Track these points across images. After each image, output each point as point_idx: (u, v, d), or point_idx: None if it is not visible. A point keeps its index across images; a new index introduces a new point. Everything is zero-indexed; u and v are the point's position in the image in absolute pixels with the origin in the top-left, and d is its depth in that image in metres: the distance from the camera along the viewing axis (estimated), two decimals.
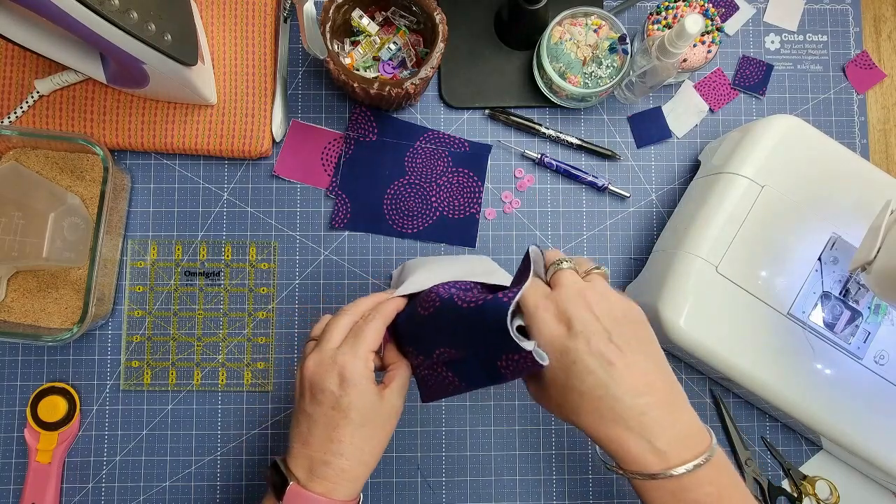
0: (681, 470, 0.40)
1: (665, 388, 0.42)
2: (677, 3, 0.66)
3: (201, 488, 0.66)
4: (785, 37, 0.74)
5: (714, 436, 0.43)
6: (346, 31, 0.67)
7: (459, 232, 0.70)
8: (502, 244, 0.70)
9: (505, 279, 0.52)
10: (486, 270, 0.57)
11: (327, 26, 0.63)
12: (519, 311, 0.45)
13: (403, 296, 0.52)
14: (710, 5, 0.67)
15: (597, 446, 0.43)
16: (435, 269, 0.56)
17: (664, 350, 0.69)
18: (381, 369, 0.52)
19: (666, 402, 0.42)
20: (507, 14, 0.68)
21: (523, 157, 0.71)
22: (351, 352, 0.47)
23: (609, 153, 0.71)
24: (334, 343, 0.48)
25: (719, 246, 0.59)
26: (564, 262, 0.46)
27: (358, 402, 0.46)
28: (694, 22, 0.55)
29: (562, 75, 0.66)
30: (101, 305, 0.64)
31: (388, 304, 0.51)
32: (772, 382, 0.59)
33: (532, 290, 0.44)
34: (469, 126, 0.71)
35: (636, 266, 0.71)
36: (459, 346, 0.47)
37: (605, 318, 0.42)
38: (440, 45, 0.62)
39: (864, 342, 0.60)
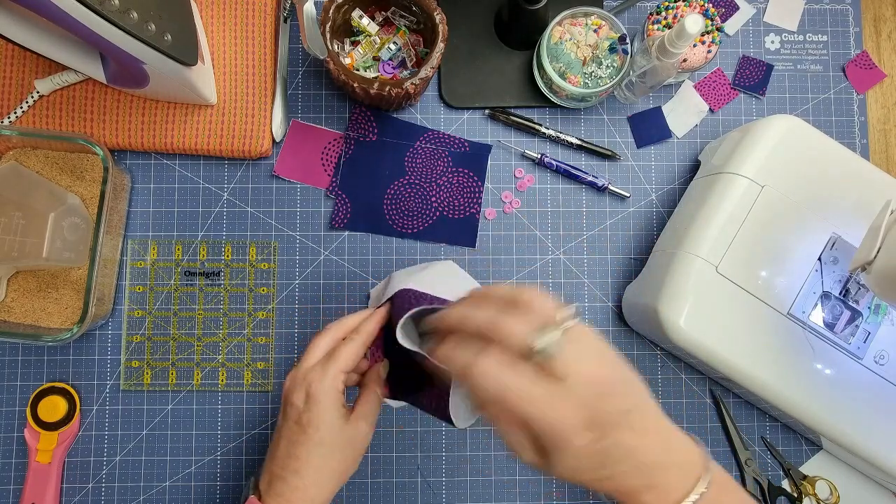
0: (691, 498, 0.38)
1: (666, 431, 0.40)
2: (677, 3, 0.66)
3: (201, 488, 0.66)
4: (785, 37, 0.74)
5: (708, 454, 0.41)
6: (346, 31, 0.67)
7: (459, 232, 0.70)
8: (502, 244, 0.70)
9: (465, 284, 0.53)
10: (450, 282, 0.57)
11: (327, 26, 0.63)
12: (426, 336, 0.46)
13: (388, 309, 0.53)
14: (710, 5, 0.67)
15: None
16: (411, 282, 0.55)
17: (664, 350, 0.70)
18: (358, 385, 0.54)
19: (670, 444, 0.40)
20: (507, 14, 0.68)
21: (523, 157, 0.71)
22: (321, 370, 0.48)
23: (609, 153, 0.71)
24: (311, 362, 0.49)
25: (719, 246, 0.59)
26: (541, 335, 0.36)
27: (318, 420, 0.47)
28: (694, 22, 0.55)
29: (562, 75, 0.66)
30: (101, 305, 0.64)
31: (368, 323, 0.51)
32: (772, 382, 0.59)
33: (533, 401, 0.36)
34: (469, 126, 0.71)
35: (636, 266, 0.71)
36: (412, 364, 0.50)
37: (611, 388, 0.38)
38: (440, 45, 0.62)
39: (864, 342, 0.60)
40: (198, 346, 0.68)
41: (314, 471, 0.47)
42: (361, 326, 0.51)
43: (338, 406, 0.48)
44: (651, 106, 0.72)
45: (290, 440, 0.47)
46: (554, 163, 0.70)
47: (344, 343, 0.50)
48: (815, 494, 0.67)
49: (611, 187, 0.70)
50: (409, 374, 0.52)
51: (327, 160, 0.70)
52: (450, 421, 0.47)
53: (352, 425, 0.48)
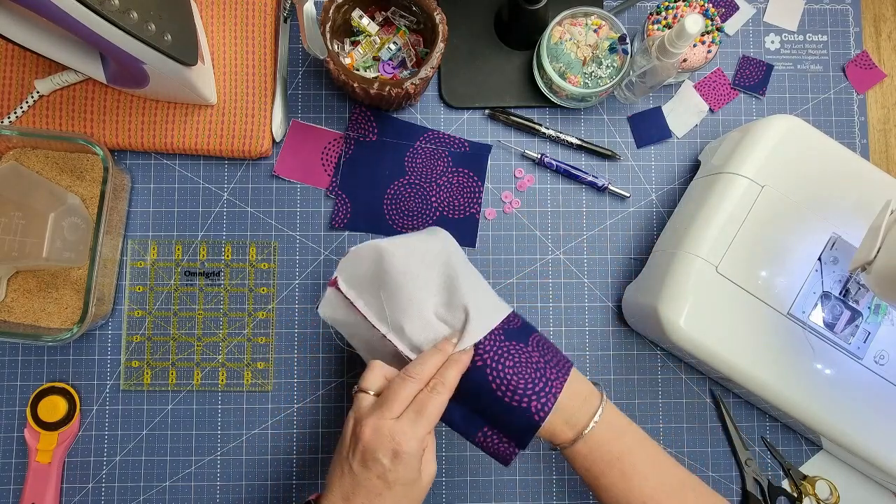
0: (585, 431, 0.51)
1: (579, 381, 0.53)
2: (677, 3, 0.66)
3: (201, 488, 0.67)
4: (785, 37, 0.74)
5: (603, 391, 0.53)
6: (346, 31, 0.67)
7: (459, 232, 0.70)
8: (502, 244, 0.70)
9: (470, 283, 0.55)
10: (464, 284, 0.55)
11: (327, 26, 0.63)
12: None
13: (471, 355, 0.52)
14: (710, 5, 0.67)
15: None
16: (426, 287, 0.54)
17: (664, 350, 0.70)
18: None
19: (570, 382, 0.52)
20: (507, 14, 0.68)
21: (523, 157, 0.71)
22: (411, 430, 0.47)
23: (609, 153, 0.71)
24: (395, 412, 0.48)
25: (719, 246, 0.59)
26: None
27: (405, 478, 0.47)
28: (694, 22, 0.55)
29: (562, 75, 0.66)
30: (101, 305, 0.64)
31: (451, 371, 0.50)
32: (772, 382, 0.59)
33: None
34: (469, 126, 0.71)
35: (636, 266, 0.71)
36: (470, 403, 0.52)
37: None
38: (440, 45, 0.62)
39: (864, 342, 0.60)
40: (198, 346, 0.68)
41: None
42: (445, 375, 0.49)
43: (421, 457, 0.48)
44: (651, 106, 0.72)
45: (370, 492, 0.47)
46: (554, 163, 0.70)
47: (430, 395, 0.48)
48: (815, 494, 0.67)
49: (611, 187, 0.70)
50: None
51: (327, 160, 0.70)
52: (500, 459, 0.53)
53: (426, 470, 0.49)
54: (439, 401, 0.48)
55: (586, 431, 0.50)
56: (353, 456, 0.47)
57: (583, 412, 0.51)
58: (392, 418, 0.47)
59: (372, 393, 0.49)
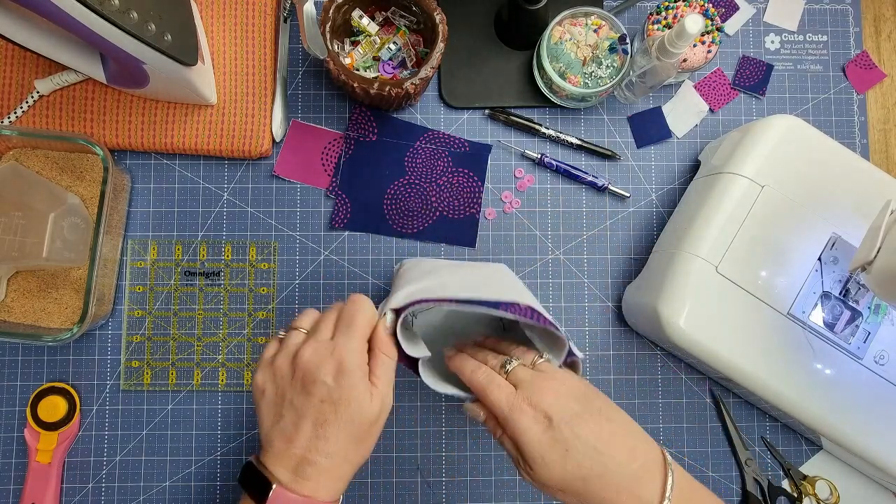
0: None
1: (633, 438, 0.46)
2: (677, 3, 0.66)
3: (201, 488, 0.66)
4: (785, 37, 0.74)
5: (667, 455, 0.47)
6: (346, 31, 0.67)
7: (459, 232, 0.70)
8: (502, 244, 0.70)
9: (520, 295, 0.52)
10: (502, 286, 0.55)
11: (327, 26, 0.63)
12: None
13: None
14: (710, 5, 0.67)
15: None
16: (445, 275, 0.54)
17: (664, 350, 0.70)
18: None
19: (636, 451, 0.46)
20: (507, 14, 0.68)
21: (523, 157, 0.71)
22: (348, 343, 0.45)
23: (609, 153, 0.71)
24: (327, 335, 0.47)
25: (719, 246, 0.59)
26: (514, 360, 0.49)
27: (350, 396, 0.44)
28: (694, 22, 0.55)
29: (562, 75, 0.66)
30: (101, 305, 0.64)
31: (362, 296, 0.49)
32: (772, 382, 0.59)
33: (498, 394, 0.46)
34: (469, 126, 0.71)
35: (636, 266, 0.71)
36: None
37: (573, 398, 0.46)
38: (440, 45, 0.62)
39: (864, 342, 0.60)
40: (198, 346, 0.68)
41: (344, 449, 0.44)
42: (358, 296, 0.49)
43: (366, 379, 0.45)
44: (651, 106, 0.72)
45: (317, 421, 0.44)
46: (554, 163, 0.70)
47: (352, 307, 0.47)
48: (815, 494, 0.67)
49: (611, 187, 0.70)
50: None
51: (327, 160, 0.70)
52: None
53: (377, 396, 0.45)
54: (363, 310, 0.47)
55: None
56: (293, 388, 0.45)
57: (650, 481, 0.45)
58: (327, 339, 0.46)
59: (304, 331, 0.49)
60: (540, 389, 0.45)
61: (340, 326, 0.47)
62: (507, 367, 0.48)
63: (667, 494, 0.44)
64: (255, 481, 0.44)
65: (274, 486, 0.43)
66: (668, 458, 0.46)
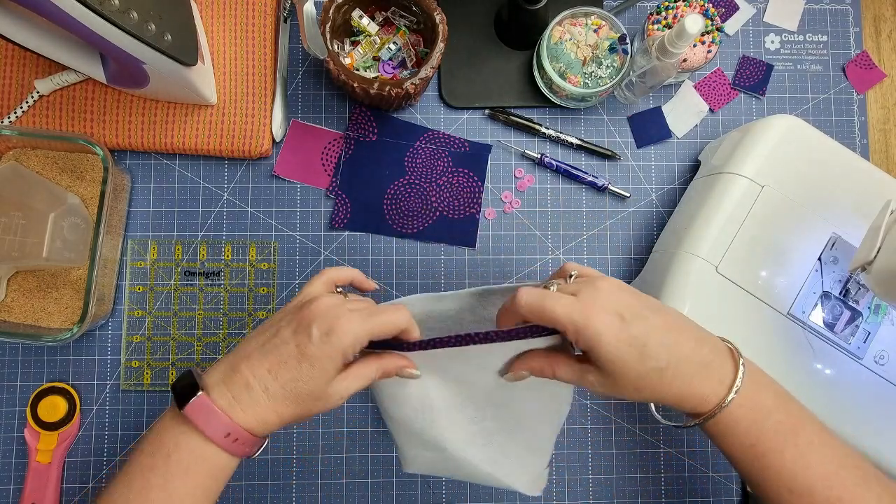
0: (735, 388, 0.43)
1: (696, 328, 0.46)
2: (677, 3, 0.66)
3: None
4: (785, 37, 0.74)
5: (730, 342, 0.47)
6: (346, 31, 0.67)
7: (459, 232, 0.70)
8: (502, 244, 0.70)
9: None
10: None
11: (327, 26, 0.63)
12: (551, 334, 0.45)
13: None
14: (710, 5, 0.67)
15: (658, 415, 0.49)
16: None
17: None
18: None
19: (703, 340, 0.45)
20: (507, 14, 0.68)
21: (523, 157, 0.71)
22: (357, 321, 0.43)
23: (609, 153, 0.71)
24: (351, 306, 0.45)
25: (719, 246, 0.59)
26: (554, 283, 0.46)
27: (322, 363, 0.43)
28: (694, 22, 0.55)
29: (562, 75, 0.66)
30: (101, 305, 0.64)
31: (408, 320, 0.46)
32: None
33: (564, 306, 0.43)
34: (469, 126, 0.71)
35: (636, 266, 0.71)
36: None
37: (630, 295, 0.44)
38: (440, 45, 0.62)
39: (864, 342, 0.60)
40: (198, 346, 0.68)
41: (283, 399, 0.43)
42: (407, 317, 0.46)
43: (339, 363, 0.43)
44: (651, 106, 0.72)
45: (280, 358, 0.43)
46: (554, 163, 0.70)
47: (389, 307, 0.46)
48: None
49: (611, 187, 0.70)
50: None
51: (327, 160, 0.70)
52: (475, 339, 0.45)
53: (340, 381, 0.44)
54: (394, 319, 0.45)
55: (736, 389, 0.43)
56: (288, 319, 0.45)
57: (719, 366, 0.44)
58: (348, 308, 0.44)
59: (343, 294, 0.48)
60: (599, 291, 0.43)
61: (367, 311, 0.45)
62: (552, 289, 0.45)
63: (739, 373, 0.44)
64: (187, 388, 0.43)
65: (199, 393, 0.42)
66: (732, 343, 0.46)
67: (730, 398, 0.43)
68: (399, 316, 0.45)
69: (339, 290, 0.50)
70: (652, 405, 0.51)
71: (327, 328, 0.43)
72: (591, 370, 0.44)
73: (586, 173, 0.70)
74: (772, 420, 0.44)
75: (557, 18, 0.66)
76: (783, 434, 0.43)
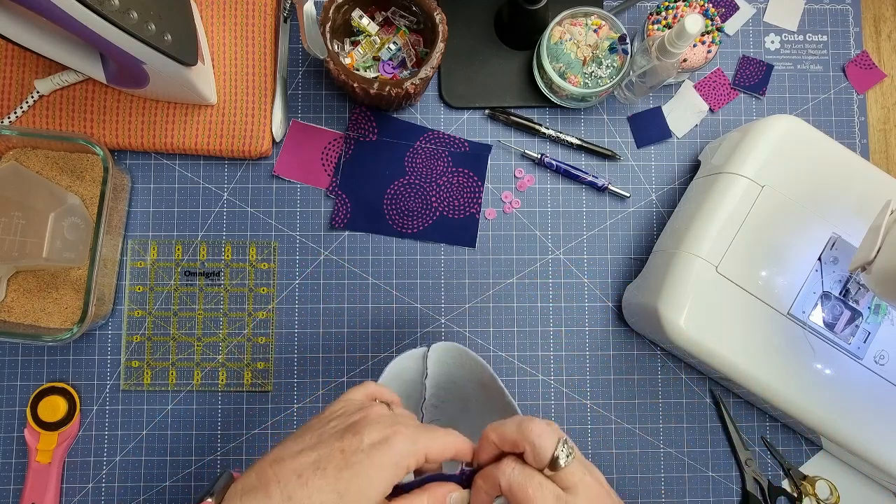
0: None
1: None
2: (677, 3, 0.66)
3: (201, 488, 0.66)
4: (785, 37, 0.74)
5: None
6: (346, 31, 0.67)
7: (459, 232, 0.70)
8: (502, 244, 0.70)
9: None
10: None
11: (327, 26, 0.63)
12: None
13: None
14: (710, 5, 0.67)
15: None
16: None
17: (664, 350, 0.69)
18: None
19: None
20: (507, 14, 0.68)
21: (523, 157, 0.71)
22: (414, 433, 0.39)
23: (609, 153, 0.71)
24: (411, 422, 0.41)
25: (719, 246, 0.59)
26: (567, 454, 0.39)
27: (364, 470, 0.37)
28: (694, 22, 0.55)
29: (562, 75, 0.66)
30: (101, 305, 0.64)
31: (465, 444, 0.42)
32: (772, 382, 0.59)
33: (543, 494, 0.38)
34: (469, 126, 0.71)
35: (636, 266, 0.71)
36: None
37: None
38: (440, 45, 0.62)
39: (864, 342, 0.60)
40: (198, 346, 0.68)
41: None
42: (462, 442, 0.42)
43: (392, 481, 0.38)
44: (651, 106, 0.72)
45: (318, 461, 0.37)
46: (554, 163, 0.70)
47: (443, 429, 0.41)
48: (815, 494, 0.67)
49: (611, 187, 0.70)
50: None
51: (327, 160, 0.70)
52: None
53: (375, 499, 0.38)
54: (452, 437, 0.41)
55: None
56: (337, 421, 0.40)
57: None
58: (398, 414, 0.42)
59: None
60: (582, 483, 0.38)
61: (423, 427, 0.41)
62: (562, 460, 0.39)
63: None
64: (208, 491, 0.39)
65: (207, 500, 0.38)
66: None
67: None
68: (456, 439, 0.41)
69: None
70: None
71: (381, 436, 0.38)
72: None
73: (586, 173, 0.70)
74: None
75: (557, 18, 0.66)
76: None
